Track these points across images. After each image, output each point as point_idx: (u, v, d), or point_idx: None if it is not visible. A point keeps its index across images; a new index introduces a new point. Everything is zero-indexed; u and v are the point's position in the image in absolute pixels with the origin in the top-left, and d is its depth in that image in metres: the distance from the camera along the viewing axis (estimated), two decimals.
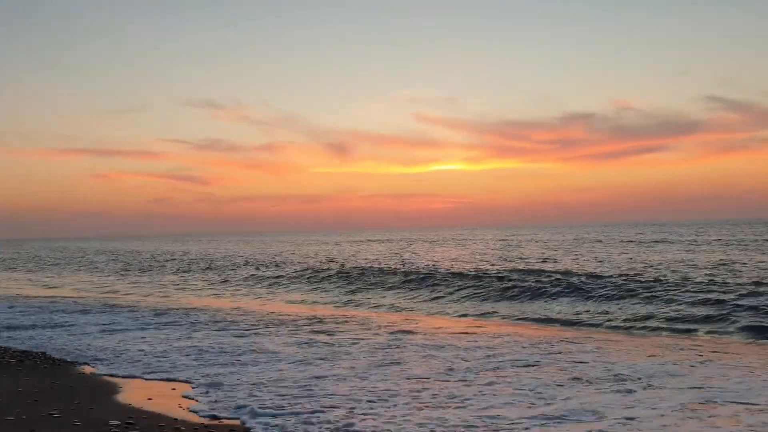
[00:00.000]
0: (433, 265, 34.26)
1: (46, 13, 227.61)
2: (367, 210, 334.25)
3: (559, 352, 12.09)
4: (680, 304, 18.24)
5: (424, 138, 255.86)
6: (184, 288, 31.00)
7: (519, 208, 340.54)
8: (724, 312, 16.70)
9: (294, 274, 33.55)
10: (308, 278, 31.59)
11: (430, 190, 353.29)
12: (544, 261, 35.53)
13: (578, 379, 9.75)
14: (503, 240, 73.16)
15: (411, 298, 23.84)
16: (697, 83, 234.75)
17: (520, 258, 38.93)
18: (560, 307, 19.78)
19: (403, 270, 31.45)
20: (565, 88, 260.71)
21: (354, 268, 34.37)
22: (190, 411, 8.48)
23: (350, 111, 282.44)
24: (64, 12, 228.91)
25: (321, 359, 11.75)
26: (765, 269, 25.99)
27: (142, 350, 13.16)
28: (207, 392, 9.42)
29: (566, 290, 22.08)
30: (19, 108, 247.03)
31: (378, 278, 29.34)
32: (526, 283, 23.86)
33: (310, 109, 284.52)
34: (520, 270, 28.65)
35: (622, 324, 16.70)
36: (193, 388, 9.81)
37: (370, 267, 34.50)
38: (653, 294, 20.07)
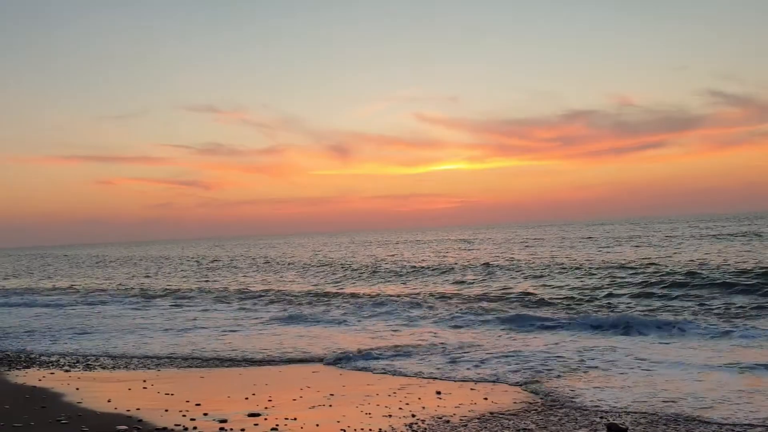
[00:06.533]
0: None
1: (45, 19, 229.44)
2: (370, 211, 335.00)
3: None
4: None
5: (426, 138, 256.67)
6: None
7: (521, 206, 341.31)
8: None
9: None
10: None
11: (432, 191, 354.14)
12: None
13: None
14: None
15: None
16: (697, 78, 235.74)
17: None
18: None
19: None
20: (565, 86, 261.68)
21: None
22: None
23: (351, 112, 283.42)
24: (63, 18, 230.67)
25: None
26: None
27: None
28: None
29: None
30: (20, 115, 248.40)
31: None
32: None
33: (311, 112, 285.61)
34: None
35: None
36: None
37: None
38: None
